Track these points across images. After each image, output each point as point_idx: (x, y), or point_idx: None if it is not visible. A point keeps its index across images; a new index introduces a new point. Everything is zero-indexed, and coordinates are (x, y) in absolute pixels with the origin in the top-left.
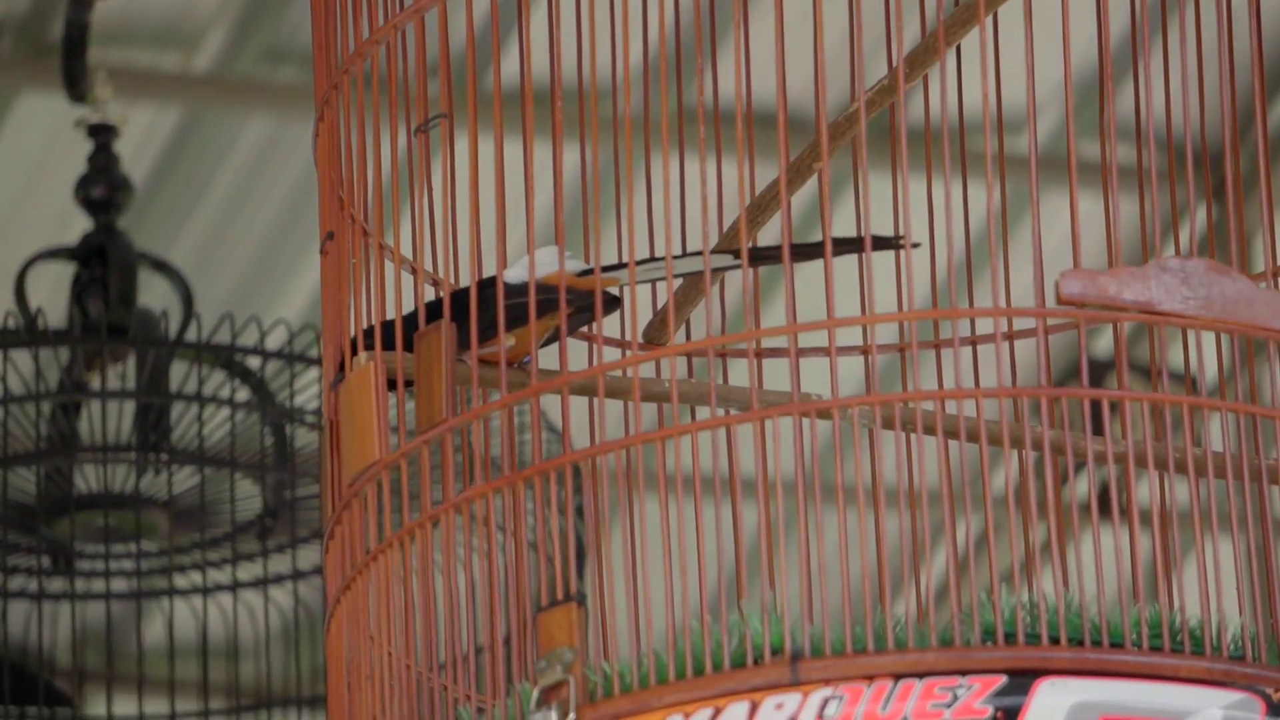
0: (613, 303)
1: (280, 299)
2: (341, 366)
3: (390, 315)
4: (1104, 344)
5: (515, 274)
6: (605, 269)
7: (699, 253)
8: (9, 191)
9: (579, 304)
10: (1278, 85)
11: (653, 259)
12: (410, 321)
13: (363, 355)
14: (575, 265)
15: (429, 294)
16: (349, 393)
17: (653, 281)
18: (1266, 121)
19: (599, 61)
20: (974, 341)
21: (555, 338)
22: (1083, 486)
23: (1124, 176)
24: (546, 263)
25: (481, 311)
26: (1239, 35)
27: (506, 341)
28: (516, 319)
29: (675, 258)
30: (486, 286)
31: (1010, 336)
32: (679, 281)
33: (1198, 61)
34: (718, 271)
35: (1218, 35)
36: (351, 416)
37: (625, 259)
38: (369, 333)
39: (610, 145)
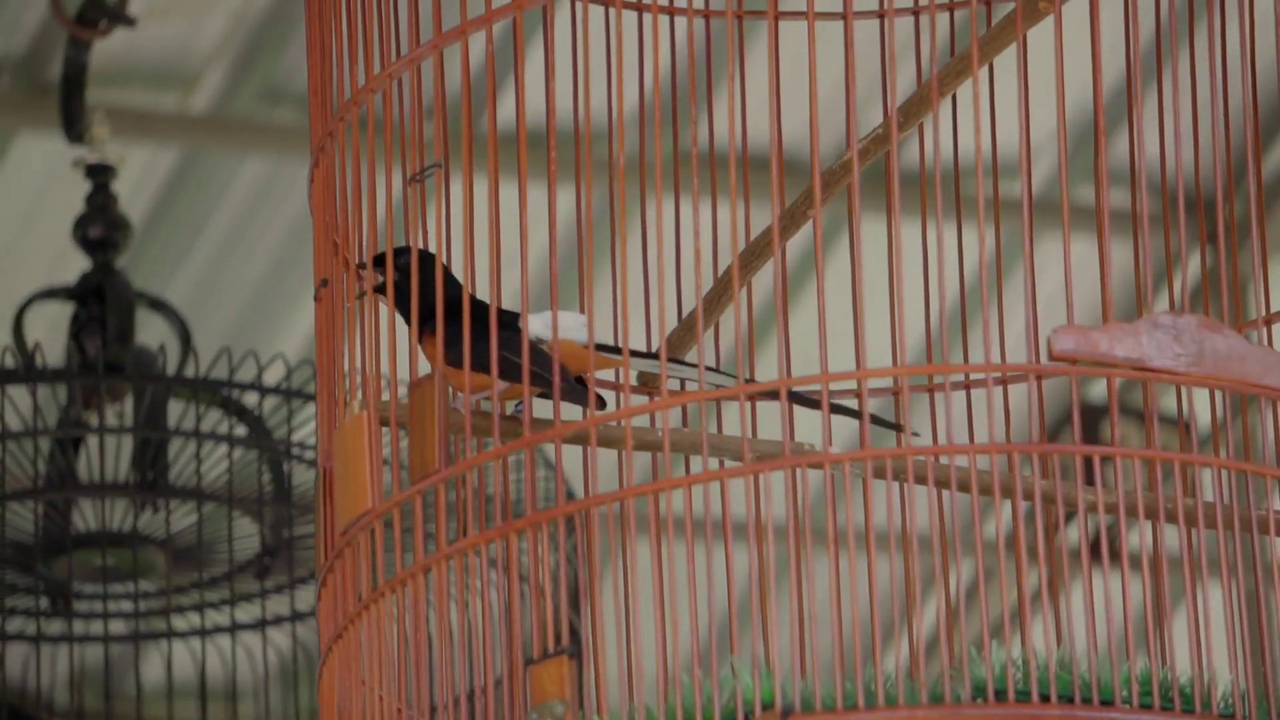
0: (575, 393)
1: (277, 338)
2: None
3: (384, 359)
4: (1098, 390)
5: (536, 329)
6: (634, 354)
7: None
8: (7, 231)
9: (544, 382)
10: (1272, 132)
11: (649, 354)
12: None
13: (355, 404)
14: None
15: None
16: (343, 440)
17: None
18: (1261, 168)
19: (594, 106)
20: (968, 386)
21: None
22: (1074, 536)
23: (1119, 221)
24: (571, 328)
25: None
26: (1233, 81)
27: (500, 385)
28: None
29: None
30: (507, 326)
31: (1004, 382)
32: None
33: (1192, 108)
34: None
35: (1212, 82)
36: (345, 464)
37: (619, 292)
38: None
39: (605, 190)
